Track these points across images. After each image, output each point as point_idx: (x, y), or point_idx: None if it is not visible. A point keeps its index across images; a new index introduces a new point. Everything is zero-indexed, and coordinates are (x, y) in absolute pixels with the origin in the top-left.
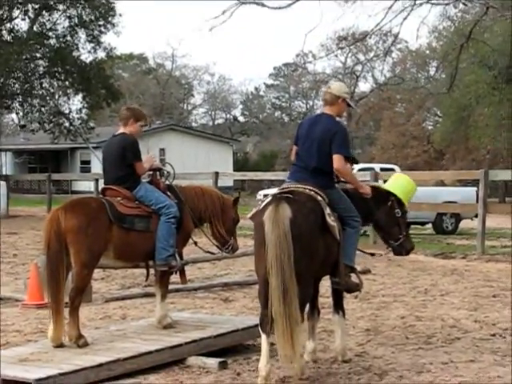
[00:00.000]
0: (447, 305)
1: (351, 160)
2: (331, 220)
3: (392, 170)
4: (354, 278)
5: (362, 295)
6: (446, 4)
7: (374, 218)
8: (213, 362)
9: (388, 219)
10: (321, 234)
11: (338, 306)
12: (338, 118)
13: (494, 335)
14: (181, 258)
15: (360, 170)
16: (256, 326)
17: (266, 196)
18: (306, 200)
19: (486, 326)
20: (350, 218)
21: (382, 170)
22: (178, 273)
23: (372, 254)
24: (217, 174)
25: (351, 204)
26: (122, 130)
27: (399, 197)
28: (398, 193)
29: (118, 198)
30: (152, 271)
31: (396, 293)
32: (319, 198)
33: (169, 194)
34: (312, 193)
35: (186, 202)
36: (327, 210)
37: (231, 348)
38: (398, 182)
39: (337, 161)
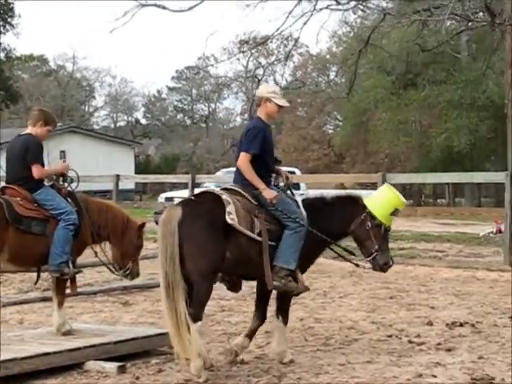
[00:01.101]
0: (345, 307)
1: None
2: (230, 219)
3: (292, 172)
4: (300, 280)
5: None
6: (345, 10)
7: (349, 229)
8: (111, 366)
9: (361, 232)
10: (221, 233)
11: (279, 311)
12: (264, 118)
13: (390, 336)
14: (73, 265)
15: None
16: (157, 335)
17: (168, 199)
18: (205, 201)
19: (382, 327)
20: (288, 219)
21: None
22: (69, 280)
23: (357, 265)
24: (118, 176)
25: (290, 205)
26: (28, 130)
27: (371, 210)
28: (373, 205)
29: (18, 199)
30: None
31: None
32: (226, 198)
33: (69, 200)
34: (225, 194)
35: (87, 212)
36: (228, 209)
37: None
38: (378, 195)
39: (240, 158)
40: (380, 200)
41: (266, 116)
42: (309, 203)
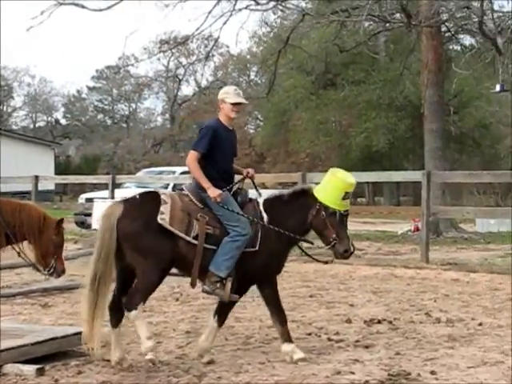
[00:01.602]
0: (264, 306)
1: None
2: (160, 218)
3: None
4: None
5: (183, 298)
6: (265, 10)
7: (308, 224)
8: (30, 369)
9: (317, 223)
10: (157, 232)
11: (216, 311)
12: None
13: (309, 334)
14: None
15: (182, 173)
16: (76, 334)
17: (88, 200)
18: (145, 200)
19: (302, 325)
20: (230, 226)
21: None
22: None
23: (325, 262)
24: (36, 177)
25: (233, 213)
26: None
27: (321, 200)
28: (321, 195)
29: None
30: None
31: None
32: (164, 198)
33: None
34: (165, 194)
35: (0, 213)
36: (162, 209)
37: (50, 355)
38: (325, 183)
39: (188, 156)
40: (327, 187)
41: (224, 117)
42: (269, 204)
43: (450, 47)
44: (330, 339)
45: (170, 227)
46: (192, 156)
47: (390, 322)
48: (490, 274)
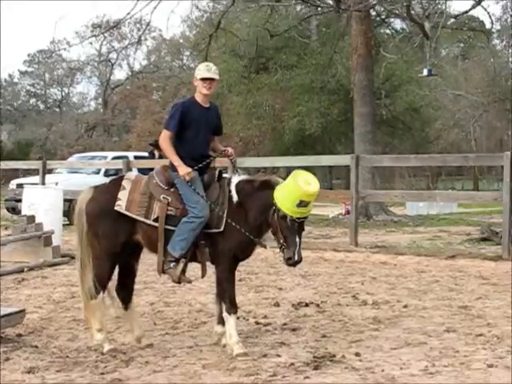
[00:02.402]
0: (196, 290)
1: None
2: (117, 205)
3: (146, 157)
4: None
5: (112, 283)
6: None
7: (267, 219)
8: None
9: (272, 223)
10: (116, 217)
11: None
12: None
13: (238, 318)
14: None
15: (114, 158)
16: (3, 316)
17: (19, 185)
18: (110, 186)
19: None
20: (188, 207)
21: (136, 158)
22: None
23: (264, 246)
24: None
25: (193, 194)
26: None
27: (276, 200)
28: (278, 195)
29: None
30: None
31: (146, 279)
32: (124, 184)
33: None
34: (127, 180)
35: None
36: (119, 195)
37: None
38: (285, 183)
39: (160, 135)
40: (284, 189)
41: (198, 94)
42: (241, 187)
43: (382, 31)
44: (257, 323)
45: (126, 212)
46: (163, 135)
47: (318, 305)
48: (417, 257)
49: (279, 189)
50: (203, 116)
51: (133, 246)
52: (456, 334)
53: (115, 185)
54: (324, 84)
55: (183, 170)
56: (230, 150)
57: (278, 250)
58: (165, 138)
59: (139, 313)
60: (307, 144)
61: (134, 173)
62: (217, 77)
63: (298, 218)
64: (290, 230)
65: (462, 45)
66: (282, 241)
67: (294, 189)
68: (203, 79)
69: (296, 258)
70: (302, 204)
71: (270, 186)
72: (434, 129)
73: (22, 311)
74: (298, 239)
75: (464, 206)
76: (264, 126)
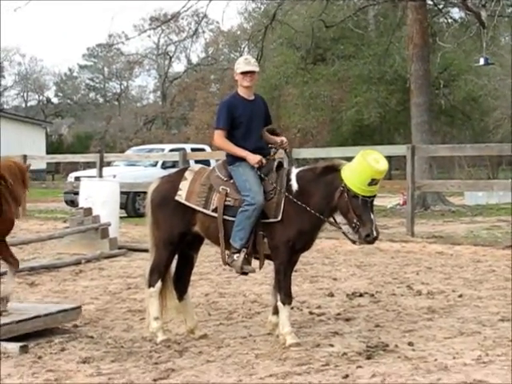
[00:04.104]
0: (250, 281)
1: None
2: (178, 195)
3: (203, 150)
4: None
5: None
6: None
7: (333, 202)
8: (14, 346)
9: (341, 205)
10: (175, 208)
11: (278, 289)
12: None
13: (292, 308)
14: None
15: (171, 150)
16: (59, 311)
17: (77, 178)
18: (173, 177)
19: None
20: (243, 195)
21: (193, 150)
22: None
23: (353, 242)
24: (25, 156)
25: (246, 182)
26: None
27: (345, 181)
28: (347, 175)
29: None
30: None
31: (202, 271)
32: (186, 175)
33: None
34: (190, 171)
35: None
36: (180, 186)
37: (34, 333)
38: (353, 164)
39: (214, 137)
40: (353, 169)
41: (240, 88)
42: (301, 175)
43: (440, 20)
44: (311, 313)
45: (185, 202)
46: (217, 135)
47: (372, 295)
48: (474, 247)
49: (347, 169)
50: (250, 109)
51: (192, 237)
52: (510, 324)
53: (178, 175)
54: (382, 74)
55: (252, 158)
56: (284, 139)
57: (351, 230)
58: (219, 137)
59: (194, 304)
60: (365, 134)
61: (199, 165)
62: (257, 69)
63: (369, 197)
64: (364, 208)
65: None
66: (355, 220)
67: (365, 168)
68: (243, 73)
69: (375, 233)
70: (374, 182)
71: (334, 169)
72: (494, 118)
73: (79, 307)
74: (372, 216)
75: None
76: (322, 116)
